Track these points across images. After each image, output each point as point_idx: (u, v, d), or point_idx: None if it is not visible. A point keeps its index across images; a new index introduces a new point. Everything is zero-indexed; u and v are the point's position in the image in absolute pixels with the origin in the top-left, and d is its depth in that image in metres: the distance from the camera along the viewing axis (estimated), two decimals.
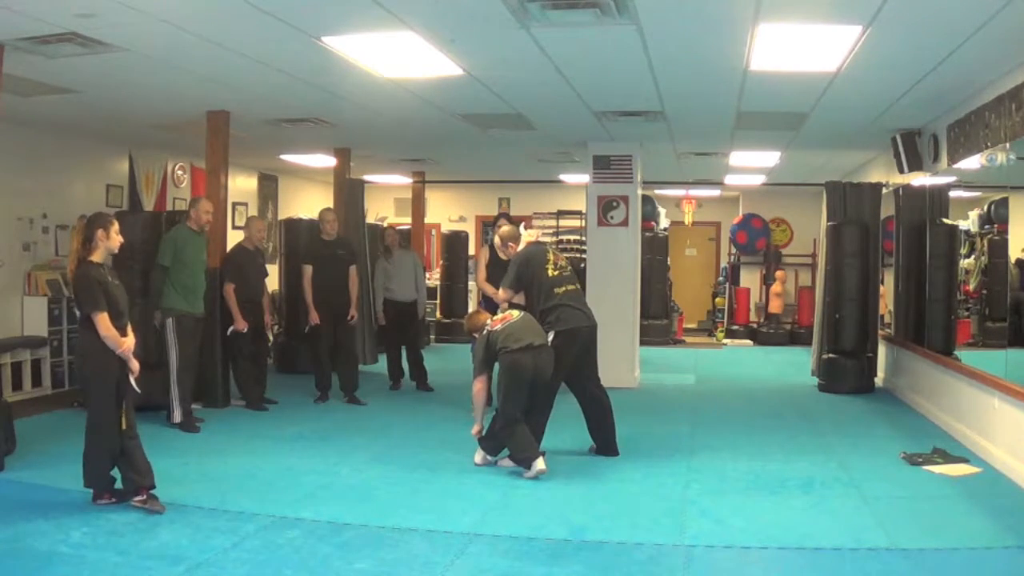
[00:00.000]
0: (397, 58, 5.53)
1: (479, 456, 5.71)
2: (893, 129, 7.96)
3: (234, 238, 8.85)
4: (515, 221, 8.17)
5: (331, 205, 10.48)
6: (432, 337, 12.94)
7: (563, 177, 13.35)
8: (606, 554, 4.12)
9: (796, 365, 10.78)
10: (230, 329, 7.45)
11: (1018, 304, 6.22)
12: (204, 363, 7.64)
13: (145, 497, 4.66)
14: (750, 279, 14.59)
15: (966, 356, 7.06)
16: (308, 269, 7.92)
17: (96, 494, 4.75)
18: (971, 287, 7.42)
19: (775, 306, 14.00)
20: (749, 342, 13.76)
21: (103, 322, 4.59)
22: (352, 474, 5.52)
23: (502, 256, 6.71)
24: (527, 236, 6.84)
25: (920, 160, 7.91)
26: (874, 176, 9.87)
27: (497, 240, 6.81)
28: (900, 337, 8.73)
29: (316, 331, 7.94)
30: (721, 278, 14.99)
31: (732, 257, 14.86)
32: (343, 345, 8.06)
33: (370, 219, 10.98)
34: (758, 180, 13.07)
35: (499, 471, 5.56)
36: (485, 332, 5.70)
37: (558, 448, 6.18)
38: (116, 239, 4.79)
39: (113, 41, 5.12)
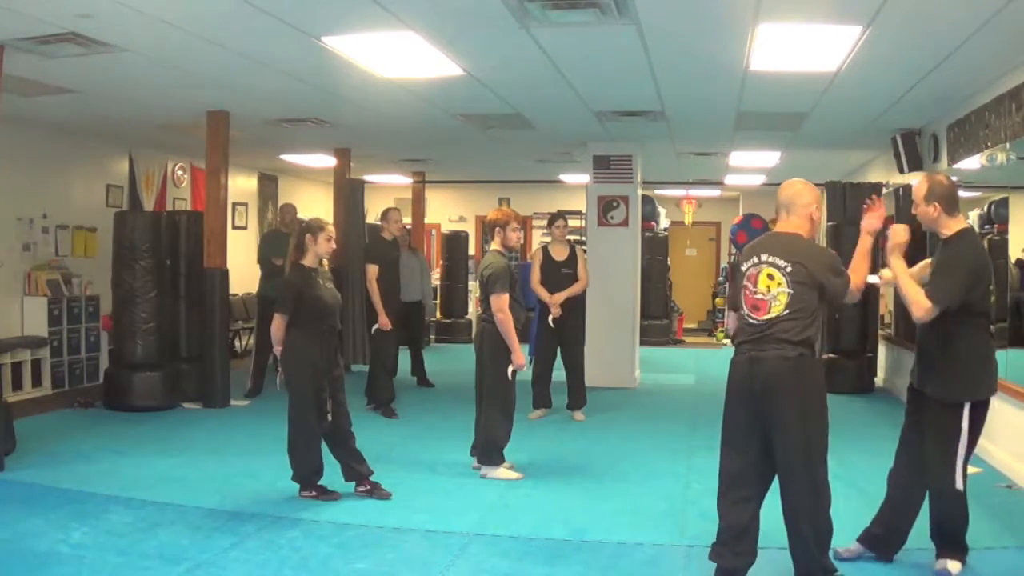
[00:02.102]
0: (397, 58, 5.53)
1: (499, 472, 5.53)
2: (893, 129, 7.96)
3: (234, 238, 8.86)
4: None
5: (331, 205, 10.53)
6: (432, 337, 12.95)
7: (563, 177, 13.35)
8: (606, 554, 4.12)
9: None
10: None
11: (1018, 304, 6.21)
12: (204, 362, 7.68)
13: (369, 487, 4.95)
14: None
15: None
16: (373, 269, 7.43)
17: (302, 487, 4.92)
18: None
19: None
20: None
21: (277, 321, 4.88)
22: None
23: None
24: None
25: (920, 160, 7.91)
26: (874, 176, 9.87)
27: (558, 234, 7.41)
28: (900, 337, 8.72)
29: (384, 336, 7.43)
30: (721, 278, 14.98)
31: (732, 257, 14.86)
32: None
33: (370, 219, 10.98)
34: (758, 180, 13.07)
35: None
36: None
37: (558, 450, 6.19)
38: (325, 245, 4.95)
39: (113, 41, 5.12)
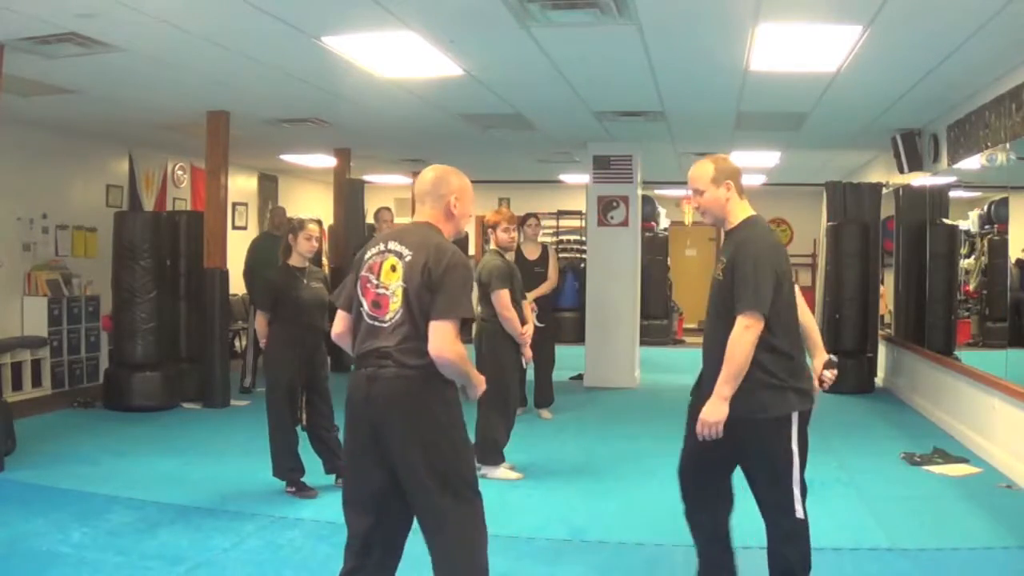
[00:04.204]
0: (397, 58, 5.53)
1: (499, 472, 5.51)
2: (893, 129, 7.96)
3: (234, 238, 8.85)
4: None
5: (331, 205, 10.53)
6: None
7: (563, 177, 13.35)
8: (606, 554, 4.13)
9: None
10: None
11: (1018, 304, 6.22)
12: (204, 362, 7.68)
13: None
14: None
15: (966, 356, 7.06)
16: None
17: (286, 483, 5.00)
18: (971, 287, 7.42)
19: None
20: None
21: (258, 316, 5.07)
22: None
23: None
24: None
25: (920, 160, 7.91)
26: (874, 176, 9.87)
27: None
28: (900, 337, 8.73)
29: None
30: None
31: None
32: None
33: (370, 219, 10.97)
34: (758, 180, 13.06)
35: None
36: None
37: (558, 450, 6.19)
38: (304, 244, 5.03)
39: (113, 41, 5.12)
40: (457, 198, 2.91)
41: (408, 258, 2.76)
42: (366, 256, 2.90)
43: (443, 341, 2.68)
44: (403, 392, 2.71)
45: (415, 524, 2.89)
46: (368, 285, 2.82)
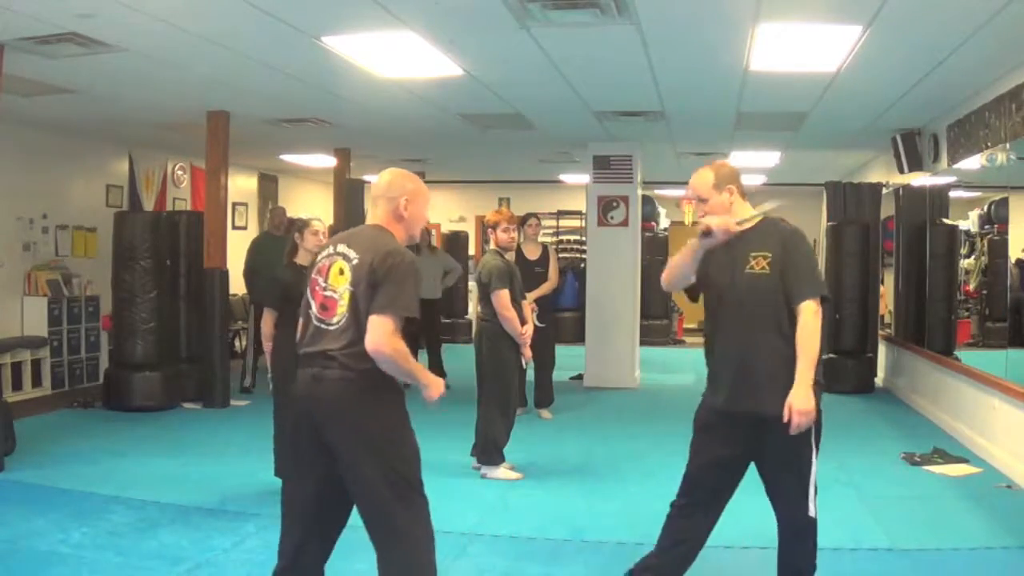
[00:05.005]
0: (397, 58, 5.53)
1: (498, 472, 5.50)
2: (893, 129, 7.96)
3: (234, 238, 8.86)
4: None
5: (331, 205, 10.53)
6: None
7: (563, 177, 13.35)
8: (606, 554, 4.12)
9: None
10: None
11: (1018, 304, 6.22)
12: (204, 362, 7.68)
13: None
14: None
15: (966, 356, 7.06)
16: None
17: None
18: (971, 287, 7.43)
19: None
20: None
21: (266, 316, 4.97)
22: None
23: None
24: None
25: (920, 160, 7.91)
26: (874, 176, 9.88)
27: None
28: (900, 337, 8.73)
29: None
30: None
31: None
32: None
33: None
34: (758, 180, 13.06)
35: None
36: None
37: (558, 450, 6.18)
38: (311, 240, 5.01)
39: (113, 41, 5.12)
40: (408, 200, 2.92)
41: (355, 261, 2.78)
42: (317, 258, 2.92)
43: (380, 336, 2.67)
44: (346, 394, 2.72)
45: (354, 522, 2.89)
46: (317, 287, 2.85)
